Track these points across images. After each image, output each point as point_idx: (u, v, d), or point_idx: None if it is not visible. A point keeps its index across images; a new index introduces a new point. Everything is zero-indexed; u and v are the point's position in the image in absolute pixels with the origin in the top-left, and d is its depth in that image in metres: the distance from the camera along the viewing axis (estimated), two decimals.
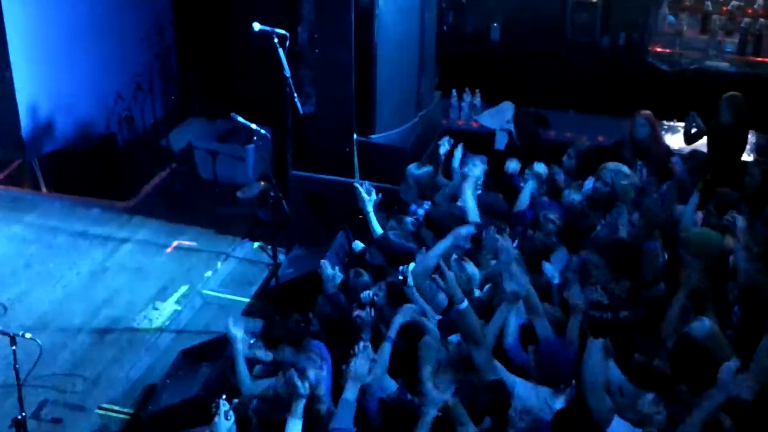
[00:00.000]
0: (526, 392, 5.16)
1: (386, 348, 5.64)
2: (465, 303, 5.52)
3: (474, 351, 5.50)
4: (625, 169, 7.60)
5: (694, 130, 8.94)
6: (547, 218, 7.16)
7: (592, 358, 5.07)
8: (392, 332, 5.70)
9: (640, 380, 5.09)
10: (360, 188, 7.36)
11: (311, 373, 5.24)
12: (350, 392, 5.12)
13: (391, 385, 5.58)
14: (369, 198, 7.33)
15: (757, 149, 8.99)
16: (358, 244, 7.66)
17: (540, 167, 7.89)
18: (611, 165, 7.61)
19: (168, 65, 11.80)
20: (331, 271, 6.84)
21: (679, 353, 5.41)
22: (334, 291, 6.62)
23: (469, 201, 7.22)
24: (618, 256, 6.47)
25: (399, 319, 5.75)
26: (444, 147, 8.29)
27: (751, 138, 9.19)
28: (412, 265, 6.59)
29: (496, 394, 5.18)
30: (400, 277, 6.40)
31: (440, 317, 6.02)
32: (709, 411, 4.71)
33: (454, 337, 5.66)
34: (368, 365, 5.19)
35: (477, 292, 6.32)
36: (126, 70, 11.20)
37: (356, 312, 6.07)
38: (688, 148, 8.90)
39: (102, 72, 10.77)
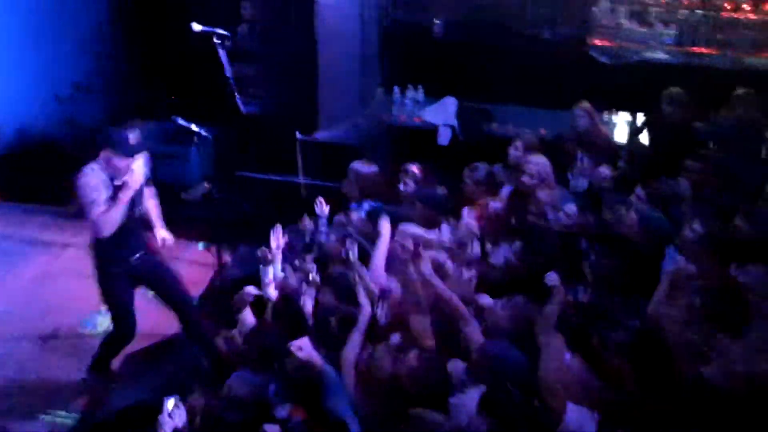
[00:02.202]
0: None
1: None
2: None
3: (413, 318, 5.57)
4: (545, 161, 7.72)
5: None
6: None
7: (552, 357, 5.11)
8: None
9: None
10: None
11: None
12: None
13: None
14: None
15: (697, 138, 9.11)
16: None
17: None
18: (534, 158, 7.74)
19: (109, 67, 11.67)
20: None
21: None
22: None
23: None
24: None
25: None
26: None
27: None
28: None
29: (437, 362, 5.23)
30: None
31: None
32: None
33: None
34: None
35: None
36: (66, 72, 11.06)
37: None
38: (627, 139, 9.06)
39: (42, 75, 10.63)
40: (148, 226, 7.12)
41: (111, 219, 6.45)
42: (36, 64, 10.49)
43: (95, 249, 6.78)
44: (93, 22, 11.34)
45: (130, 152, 6.42)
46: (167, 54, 11.40)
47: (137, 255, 6.87)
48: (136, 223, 6.79)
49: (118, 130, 6.54)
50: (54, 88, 10.83)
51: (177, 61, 11.28)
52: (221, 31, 8.10)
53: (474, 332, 5.62)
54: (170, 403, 5.21)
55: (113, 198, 6.43)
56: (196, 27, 8.07)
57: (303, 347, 5.30)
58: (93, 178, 6.45)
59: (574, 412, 4.91)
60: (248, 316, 6.55)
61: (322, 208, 7.49)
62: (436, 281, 5.83)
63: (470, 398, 4.99)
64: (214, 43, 8.06)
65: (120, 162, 6.40)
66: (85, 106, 11.28)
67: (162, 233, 7.23)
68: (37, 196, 10.03)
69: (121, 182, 6.45)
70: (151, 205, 7.21)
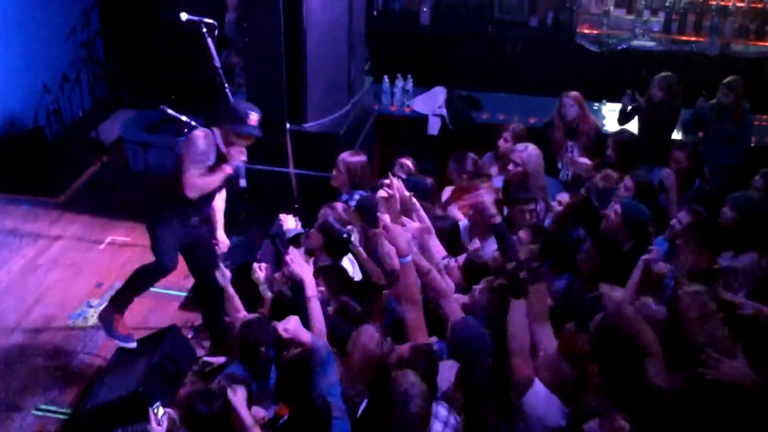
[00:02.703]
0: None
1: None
2: (408, 258, 5.55)
3: (407, 310, 5.54)
4: (533, 150, 7.75)
5: (629, 108, 9.08)
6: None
7: (516, 318, 5.16)
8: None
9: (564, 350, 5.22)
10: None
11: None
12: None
13: None
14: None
15: (683, 126, 9.14)
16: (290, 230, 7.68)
17: None
18: (521, 146, 7.79)
19: (95, 56, 11.61)
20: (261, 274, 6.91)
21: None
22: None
23: None
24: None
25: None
26: None
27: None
28: None
29: (427, 358, 5.22)
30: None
31: None
32: None
33: None
34: None
35: None
36: (53, 62, 10.99)
37: None
38: (616, 127, 9.05)
39: (28, 65, 10.56)
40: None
41: (204, 185, 6.45)
42: (20, 55, 10.41)
43: (164, 198, 6.80)
44: (80, 12, 11.25)
45: (249, 130, 6.45)
46: (155, 43, 11.38)
47: (197, 219, 6.88)
48: (212, 194, 6.80)
49: (243, 106, 6.54)
50: (41, 77, 10.75)
51: (164, 50, 11.26)
52: (209, 20, 8.04)
53: (452, 307, 5.69)
54: (159, 411, 5.20)
55: (213, 168, 6.44)
56: (184, 16, 8.01)
57: (288, 328, 5.28)
58: (207, 142, 6.42)
59: (541, 394, 4.99)
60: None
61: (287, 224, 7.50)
62: (416, 255, 5.88)
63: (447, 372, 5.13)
64: (202, 32, 8.00)
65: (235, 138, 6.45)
66: (70, 96, 11.22)
67: (221, 235, 7.26)
68: (25, 186, 9.98)
69: (227, 154, 6.47)
70: (221, 205, 7.23)
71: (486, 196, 7.35)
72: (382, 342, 5.33)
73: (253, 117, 6.44)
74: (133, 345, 7.02)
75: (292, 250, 6.13)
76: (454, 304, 5.74)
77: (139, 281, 7.06)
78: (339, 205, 7.23)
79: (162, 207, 6.77)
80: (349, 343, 5.42)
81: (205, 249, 7.14)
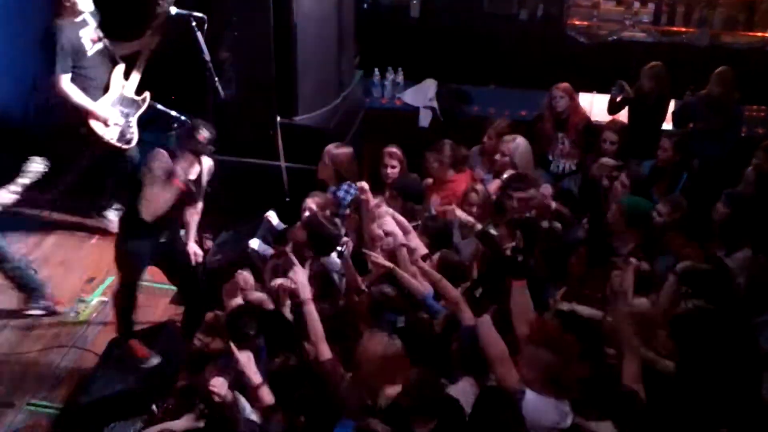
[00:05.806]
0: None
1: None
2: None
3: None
4: (521, 142, 7.86)
5: (619, 98, 9.06)
6: None
7: (484, 332, 5.16)
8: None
9: None
10: None
11: None
12: None
13: None
14: None
15: (673, 118, 9.15)
16: (280, 224, 7.70)
17: None
18: (509, 137, 7.83)
19: None
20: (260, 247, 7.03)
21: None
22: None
23: None
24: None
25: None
26: None
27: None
28: None
29: None
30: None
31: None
32: None
33: None
34: None
35: None
36: (43, 56, 10.92)
37: None
38: (608, 118, 9.07)
39: (18, 60, 10.49)
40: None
41: (159, 205, 6.40)
42: (10, 50, 10.34)
43: (127, 220, 6.81)
44: None
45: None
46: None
47: (165, 238, 6.85)
48: (177, 210, 6.75)
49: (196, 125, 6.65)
50: (29, 73, 10.68)
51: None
52: (198, 14, 8.03)
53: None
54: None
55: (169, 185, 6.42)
56: (173, 10, 8.01)
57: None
58: (164, 163, 6.40)
59: (532, 399, 4.89)
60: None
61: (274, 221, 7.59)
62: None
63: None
64: (192, 26, 7.99)
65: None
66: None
67: (194, 247, 7.24)
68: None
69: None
70: (194, 218, 7.20)
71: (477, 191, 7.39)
72: (390, 342, 5.28)
73: (204, 134, 6.54)
74: (158, 361, 7.00)
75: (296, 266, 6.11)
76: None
77: (120, 304, 7.05)
78: (319, 200, 7.30)
79: (124, 229, 6.86)
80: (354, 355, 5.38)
81: (179, 261, 7.16)
